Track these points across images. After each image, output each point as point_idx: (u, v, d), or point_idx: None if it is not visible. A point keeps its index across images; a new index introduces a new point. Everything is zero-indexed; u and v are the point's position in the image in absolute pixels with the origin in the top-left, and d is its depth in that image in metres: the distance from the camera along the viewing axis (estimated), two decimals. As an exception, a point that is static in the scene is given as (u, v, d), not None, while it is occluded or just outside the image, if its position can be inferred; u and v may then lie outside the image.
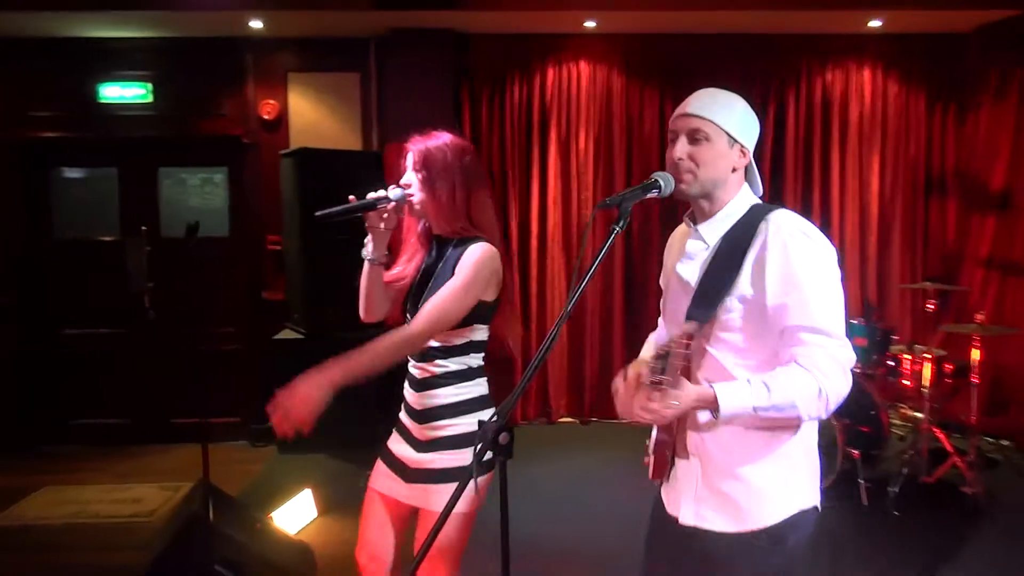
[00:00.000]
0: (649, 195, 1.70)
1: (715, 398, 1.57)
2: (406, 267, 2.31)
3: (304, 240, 4.90)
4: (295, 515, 3.96)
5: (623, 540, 3.73)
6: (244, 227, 5.71)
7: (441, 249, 2.25)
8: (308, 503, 4.09)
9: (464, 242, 2.17)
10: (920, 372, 4.24)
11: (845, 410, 2.94)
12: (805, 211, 5.82)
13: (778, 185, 5.81)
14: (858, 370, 4.42)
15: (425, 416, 2.20)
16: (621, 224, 1.63)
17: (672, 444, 1.85)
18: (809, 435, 1.76)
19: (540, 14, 5.22)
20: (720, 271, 1.70)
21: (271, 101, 5.62)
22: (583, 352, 5.85)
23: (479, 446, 1.53)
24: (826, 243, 1.67)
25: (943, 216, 5.87)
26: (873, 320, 4.51)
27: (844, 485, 4.12)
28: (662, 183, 1.71)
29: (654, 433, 1.89)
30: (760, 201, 1.80)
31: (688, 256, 1.79)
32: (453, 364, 2.20)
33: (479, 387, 2.23)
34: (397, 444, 2.28)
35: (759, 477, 1.71)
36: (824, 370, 1.57)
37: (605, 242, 1.63)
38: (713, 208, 1.77)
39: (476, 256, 2.14)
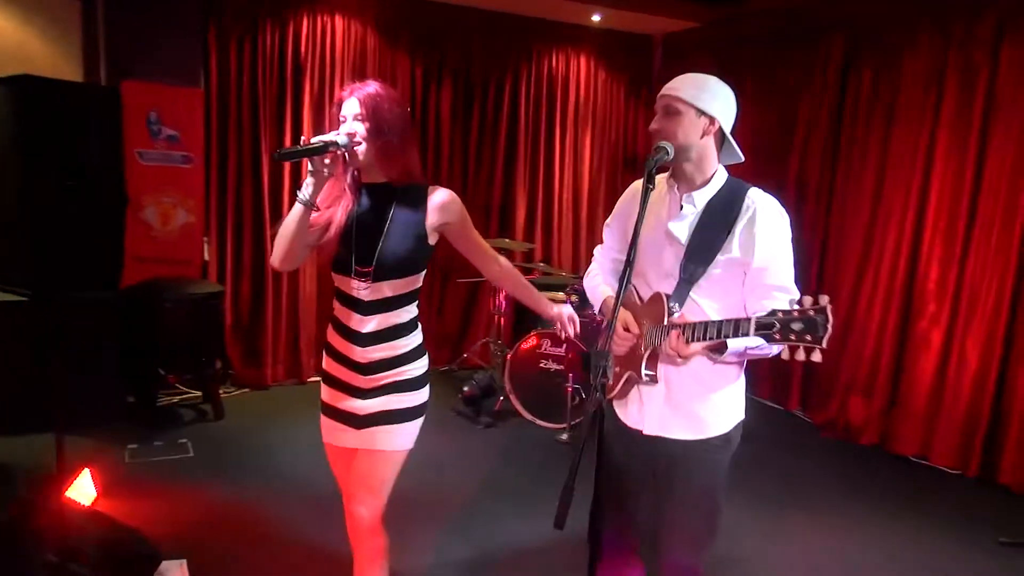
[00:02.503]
0: (659, 160, 2.02)
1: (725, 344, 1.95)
2: (333, 214, 2.22)
3: (26, 187, 4.17)
4: (79, 497, 3.50)
5: (435, 479, 4.03)
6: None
7: (375, 197, 2.23)
8: (87, 483, 3.62)
9: (410, 189, 2.23)
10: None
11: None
12: (533, 180, 6.49)
13: (512, 155, 6.39)
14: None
15: (376, 367, 2.23)
16: (651, 187, 1.96)
17: (633, 373, 2.19)
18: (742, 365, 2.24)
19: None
20: (709, 232, 2.07)
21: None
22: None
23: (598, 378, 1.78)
24: (788, 219, 2.14)
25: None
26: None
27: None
28: (669, 149, 2.03)
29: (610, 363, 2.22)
30: (728, 175, 2.18)
31: (681, 216, 2.13)
32: (407, 313, 2.28)
33: (420, 331, 2.36)
34: (338, 400, 2.31)
35: (718, 396, 2.16)
36: None
37: (642, 205, 1.91)
38: (699, 179, 2.12)
39: (458, 201, 2.29)
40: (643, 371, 2.14)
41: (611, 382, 2.30)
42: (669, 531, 2.22)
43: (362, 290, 2.20)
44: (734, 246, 2.07)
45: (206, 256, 5.39)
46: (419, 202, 2.23)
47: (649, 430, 2.20)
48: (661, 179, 2.25)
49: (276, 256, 2.22)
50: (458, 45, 6.09)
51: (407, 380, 2.29)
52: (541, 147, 6.52)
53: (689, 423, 2.16)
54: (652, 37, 6.89)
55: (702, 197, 2.12)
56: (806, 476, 4.54)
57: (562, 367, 4.96)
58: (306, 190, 2.14)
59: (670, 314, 2.05)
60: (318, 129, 5.59)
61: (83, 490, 3.60)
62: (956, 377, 4.57)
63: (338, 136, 2.14)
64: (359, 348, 2.23)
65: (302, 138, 2.14)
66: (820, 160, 5.45)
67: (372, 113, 2.16)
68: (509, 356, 5.10)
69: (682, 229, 2.13)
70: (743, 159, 2.15)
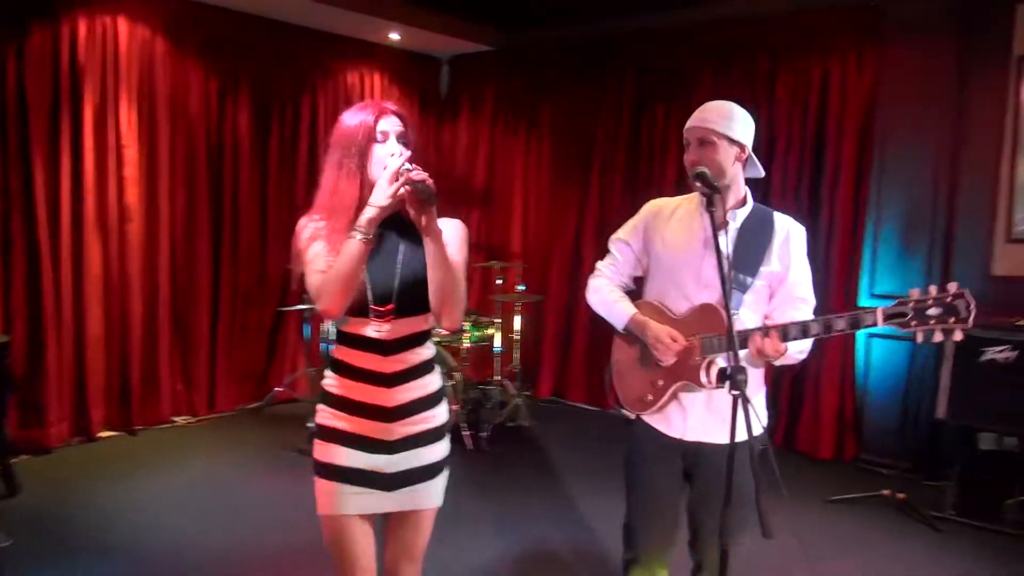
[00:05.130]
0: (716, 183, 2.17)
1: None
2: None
3: None
4: None
5: (292, 531, 3.75)
6: None
7: (382, 229, 1.95)
8: None
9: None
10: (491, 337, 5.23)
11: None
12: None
13: (313, 176, 6.04)
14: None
15: (402, 412, 2.01)
16: (714, 209, 2.10)
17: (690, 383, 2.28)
18: None
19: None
20: (751, 247, 2.25)
21: None
22: (128, 355, 5.10)
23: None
24: None
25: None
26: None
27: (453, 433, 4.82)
28: (708, 172, 2.17)
29: (644, 379, 2.33)
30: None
31: (721, 232, 2.24)
32: (428, 350, 2.09)
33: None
34: (358, 460, 2.00)
35: (754, 400, 2.32)
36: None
37: (715, 230, 2.02)
38: (733, 199, 2.30)
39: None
40: (704, 380, 2.23)
41: (651, 398, 2.36)
42: (710, 528, 2.32)
43: (383, 330, 1.97)
44: (774, 260, 2.28)
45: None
46: (439, 228, 1.98)
47: (692, 436, 2.31)
48: (688, 198, 2.39)
49: (334, 302, 1.89)
50: (253, 57, 5.67)
51: (435, 429, 2.09)
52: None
53: (722, 425, 2.29)
54: (439, 59, 7.00)
55: (740, 215, 2.31)
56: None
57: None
58: (371, 225, 1.86)
59: (731, 320, 2.17)
60: (101, 144, 4.87)
61: None
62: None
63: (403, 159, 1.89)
64: (388, 390, 1.99)
65: (404, 160, 1.86)
66: (620, 181, 5.95)
67: (408, 136, 1.98)
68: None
69: (724, 242, 2.27)
70: (763, 174, 2.36)
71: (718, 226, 2.26)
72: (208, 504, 4.10)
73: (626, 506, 2.49)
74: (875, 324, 1.98)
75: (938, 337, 1.93)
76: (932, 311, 1.93)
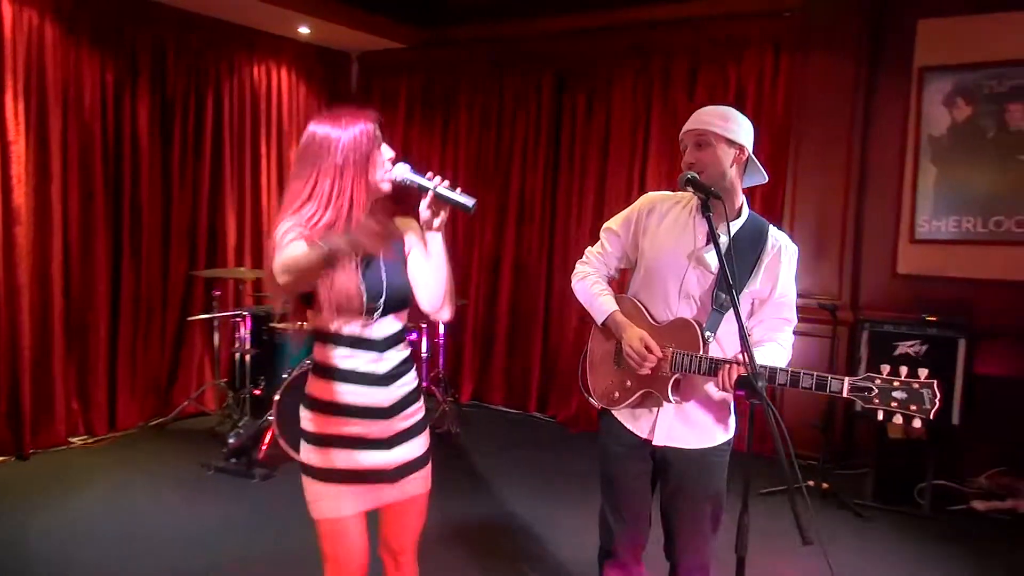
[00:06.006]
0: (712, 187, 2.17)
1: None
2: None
3: None
4: None
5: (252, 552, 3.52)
6: None
7: None
8: None
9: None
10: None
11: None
12: (241, 202, 5.92)
13: (218, 175, 5.74)
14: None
15: (400, 406, 2.09)
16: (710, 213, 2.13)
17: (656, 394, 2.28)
18: None
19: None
20: (739, 264, 2.21)
21: None
22: (17, 372, 4.63)
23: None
24: None
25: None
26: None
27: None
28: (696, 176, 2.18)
29: (616, 377, 2.34)
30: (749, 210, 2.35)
31: (711, 246, 2.22)
32: (407, 346, 2.17)
33: None
34: (357, 457, 2.04)
35: (723, 408, 2.35)
36: (789, 348, 2.32)
37: (715, 239, 2.01)
38: (730, 209, 2.25)
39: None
40: (670, 395, 2.23)
41: (617, 396, 2.34)
42: (683, 533, 2.36)
43: (373, 327, 2.02)
44: (758, 280, 2.28)
45: None
46: (413, 235, 2.16)
47: (659, 440, 2.31)
48: (682, 198, 2.36)
49: (292, 288, 1.92)
50: (153, 47, 5.28)
51: (422, 420, 2.19)
52: (247, 166, 5.97)
53: (699, 433, 2.32)
54: (349, 55, 6.77)
55: (732, 228, 2.24)
56: (572, 468, 4.94)
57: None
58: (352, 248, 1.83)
59: (705, 343, 2.18)
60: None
61: None
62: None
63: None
64: (383, 388, 2.05)
65: (438, 179, 2.00)
66: (542, 180, 5.94)
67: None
68: (277, 396, 4.61)
69: (713, 258, 2.24)
70: (767, 179, 2.36)
71: (712, 238, 2.26)
72: (115, 532, 3.75)
73: (602, 496, 2.49)
74: (840, 392, 2.01)
75: (898, 420, 1.97)
76: (897, 394, 1.96)
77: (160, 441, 5.16)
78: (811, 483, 4.45)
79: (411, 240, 2.13)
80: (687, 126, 2.29)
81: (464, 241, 6.27)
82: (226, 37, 5.73)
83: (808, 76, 4.96)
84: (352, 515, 2.05)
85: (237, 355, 5.07)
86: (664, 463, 2.34)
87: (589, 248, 2.55)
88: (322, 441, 2.04)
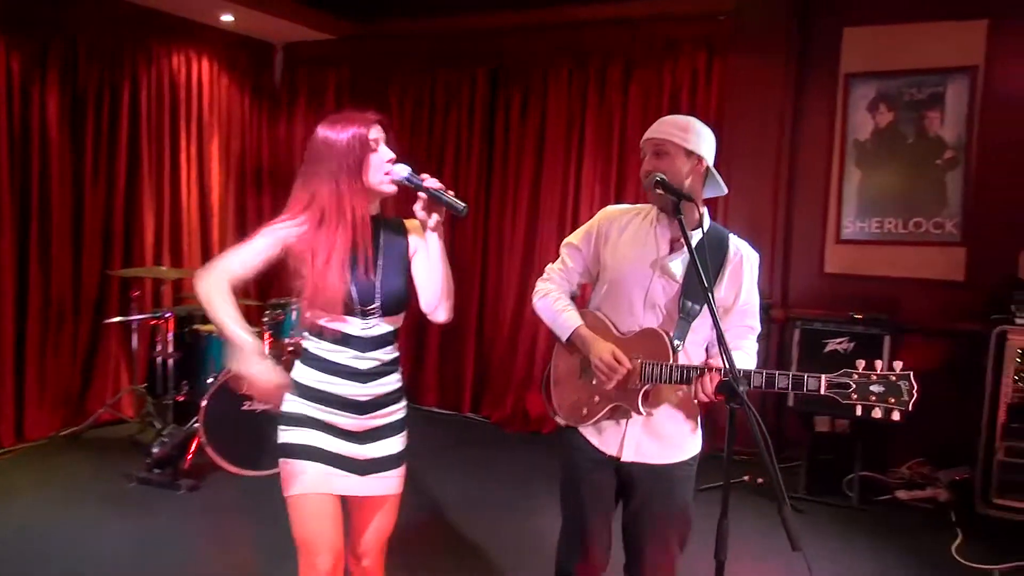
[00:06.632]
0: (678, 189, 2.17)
1: None
2: (329, 247, 2.09)
3: None
4: None
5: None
6: None
7: None
8: None
9: (390, 220, 2.22)
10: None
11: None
12: (160, 199, 5.64)
13: (135, 170, 5.44)
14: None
15: (373, 406, 2.14)
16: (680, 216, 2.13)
17: (626, 406, 2.25)
18: None
19: None
20: (700, 273, 2.15)
21: None
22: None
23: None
24: None
25: (260, 204, 6.51)
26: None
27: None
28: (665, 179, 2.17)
29: (583, 392, 2.30)
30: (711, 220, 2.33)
31: (675, 255, 2.23)
32: (396, 349, 2.22)
33: None
34: (331, 444, 2.10)
35: (690, 422, 2.34)
36: (754, 355, 2.34)
37: (688, 239, 2.01)
38: (690, 219, 2.22)
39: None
40: (641, 407, 2.20)
41: (586, 412, 2.30)
42: (650, 553, 2.32)
43: (365, 328, 2.09)
44: (722, 288, 2.27)
45: None
46: (400, 231, 2.21)
47: (628, 457, 2.27)
48: (640, 210, 2.35)
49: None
50: (64, 33, 4.95)
51: (399, 421, 2.22)
52: (167, 160, 5.68)
53: (666, 448, 2.30)
54: (273, 45, 6.53)
55: (694, 238, 2.20)
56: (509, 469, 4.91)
57: (269, 406, 4.47)
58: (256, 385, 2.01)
59: (675, 351, 2.16)
60: None
61: None
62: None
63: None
64: (360, 385, 2.11)
65: (431, 180, 2.11)
66: (476, 177, 5.88)
67: (390, 136, 2.15)
68: (204, 401, 4.41)
69: (678, 267, 2.23)
70: (726, 191, 2.35)
71: (673, 246, 2.26)
72: (31, 552, 3.49)
73: (561, 523, 2.44)
74: (817, 390, 2.03)
75: (877, 413, 1.99)
76: (875, 387, 1.98)
77: (75, 452, 4.85)
78: (747, 477, 4.56)
79: (415, 242, 2.19)
80: (647, 134, 2.27)
81: (396, 239, 6.14)
82: (143, 24, 5.42)
83: (740, 80, 5.06)
84: (322, 493, 2.07)
85: (159, 359, 4.82)
86: (630, 480, 2.30)
87: (550, 265, 2.51)
88: (298, 422, 2.10)
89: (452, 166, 5.96)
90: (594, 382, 2.27)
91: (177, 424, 4.67)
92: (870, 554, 3.82)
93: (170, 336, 4.75)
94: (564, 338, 2.36)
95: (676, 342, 2.19)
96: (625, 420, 2.27)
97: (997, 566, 3.60)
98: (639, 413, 2.22)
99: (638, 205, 2.41)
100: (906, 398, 1.95)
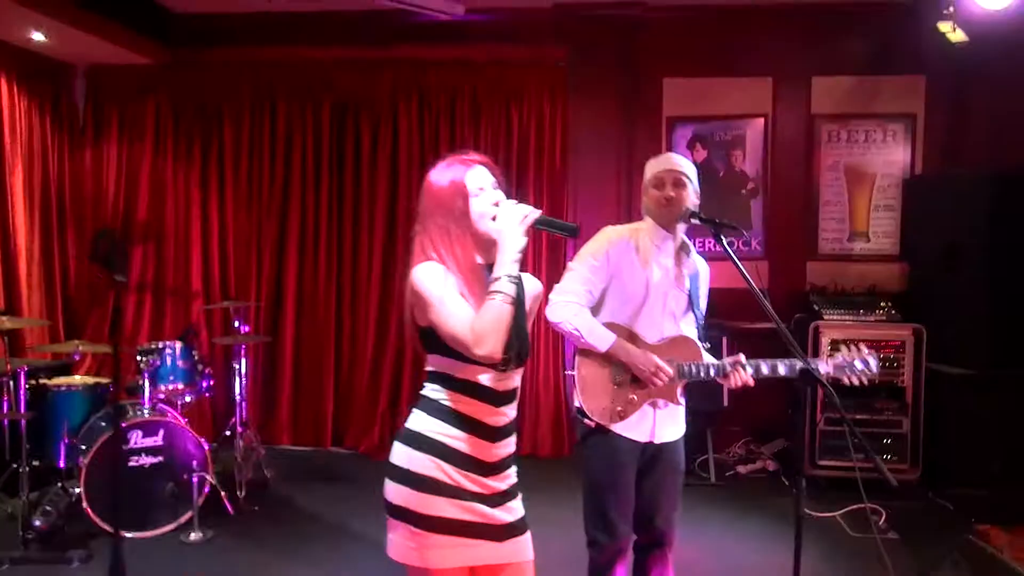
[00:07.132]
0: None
1: None
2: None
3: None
4: None
5: None
6: None
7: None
8: None
9: None
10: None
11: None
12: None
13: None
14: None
15: (501, 466, 2.00)
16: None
17: (650, 399, 2.66)
18: None
19: None
20: (692, 283, 2.72)
21: None
22: None
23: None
24: None
25: (64, 241, 5.84)
26: (190, 340, 4.59)
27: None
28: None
29: (618, 395, 2.65)
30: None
31: (683, 268, 2.72)
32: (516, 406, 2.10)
33: None
34: (470, 512, 1.93)
35: (683, 407, 2.81)
36: None
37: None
38: (679, 238, 2.71)
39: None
40: (679, 398, 2.66)
41: (621, 410, 2.64)
42: (668, 509, 2.77)
43: (506, 380, 1.97)
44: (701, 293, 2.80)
45: None
46: (523, 284, 2.08)
47: (659, 439, 2.70)
48: (635, 230, 2.71)
49: (497, 347, 1.84)
50: None
51: (516, 484, 2.07)
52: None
53: (677, 427, 2.77)
54: (74, 66, 5.90)
55: (685, 252, 2.73)
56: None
57: (160, 459, 4.15)
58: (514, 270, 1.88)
59: (703, 351, 2.63)
60: None
61: None
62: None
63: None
64: (494, 444, 1.97)
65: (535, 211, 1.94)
66: (327, 209, 5.85)
67: (498, 177, 2.02)
68: (86, 461, 3.95)
69: (685, 279, 2.70)
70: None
71: (678, 260, 2.71)
72: None
73: (603, 504, 2.69)
74: (829, 372, 2.65)
75: (854, 380, 2.64)
76: (858, 364, 2.62)
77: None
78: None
79: (531, 294, 2.11)
80: (667, 165, 2.71)
81: (237, 275, 5.90)
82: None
83: (580, 122, 5.65)
84: (470, 565, 1.94)
85: (5, 422, 4.19)
86: (655, 457, 2.70)
87: (565, 282, 2.72)
88: (426, 486, 1.90)
89: (298, 200, 5.86)
90: (630, 383, 2.64)
91: (32, 494, 4.11)
92: (741, 519, 4.54)
93: (23, 394, 4.16)
94: (604, 349, 2.64)
95: (705, 344, 2.67)
96: (652, 410, 2.66)
97: (836, 512, 4.48)
98: (678, 404, 2.68)
99: (632, 224, 2.79)
100: (875, 370, 2.64)
